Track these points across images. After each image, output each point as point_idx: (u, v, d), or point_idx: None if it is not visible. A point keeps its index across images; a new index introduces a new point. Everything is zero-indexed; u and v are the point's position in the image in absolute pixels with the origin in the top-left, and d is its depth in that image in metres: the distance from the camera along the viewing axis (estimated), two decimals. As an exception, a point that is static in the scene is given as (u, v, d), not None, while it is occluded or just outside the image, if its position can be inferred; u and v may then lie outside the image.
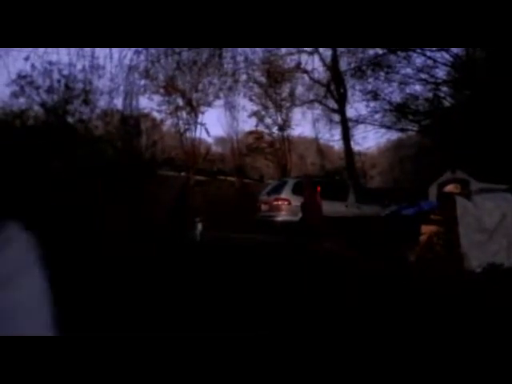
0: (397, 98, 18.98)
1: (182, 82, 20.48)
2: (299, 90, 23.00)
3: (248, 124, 27.97)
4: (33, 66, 14.17)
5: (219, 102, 21.42)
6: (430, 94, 17.97)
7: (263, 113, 22.43)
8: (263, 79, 22.11)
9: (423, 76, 17.44)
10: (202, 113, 20.94)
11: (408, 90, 18.60)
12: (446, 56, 16.51)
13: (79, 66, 14.25)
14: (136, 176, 11.61)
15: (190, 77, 20.28)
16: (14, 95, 14.63)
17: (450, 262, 6.46)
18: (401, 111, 18.82)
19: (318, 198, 8.97)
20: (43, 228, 6.25)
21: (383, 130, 20.18)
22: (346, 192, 13.14)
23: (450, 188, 12.07)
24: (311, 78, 22.49)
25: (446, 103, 17.97)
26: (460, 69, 16.51)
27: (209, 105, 21.12)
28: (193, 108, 20.54)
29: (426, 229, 7.53)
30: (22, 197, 7.08)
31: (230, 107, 21.68)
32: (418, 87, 18.83)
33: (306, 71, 22.27)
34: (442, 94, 17.90)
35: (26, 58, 13.80)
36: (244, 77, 21.84)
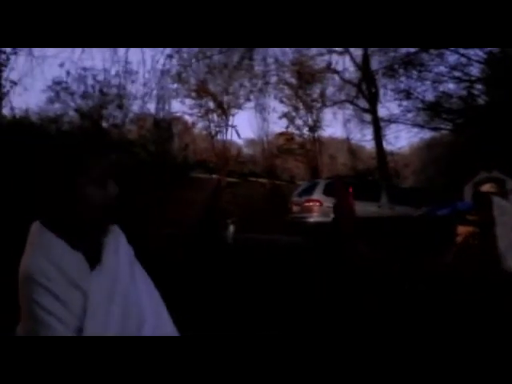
0: (430, 96, 18.59)
1: (213, 85, 20.70)
2: (330, 90, 22.88)
3: (278, 125, 28.02)
4: (68, 73, 14.57)
5: (250, 104, 21.57)
6: (464, 92, 17.55)
7: (294, 114, 22.40)
8: (293, 80, 22.10)
9: (457, 74, 17.02)
10: (233, 115, 21.12)
11: (441, 89, 18.17)
12: (480, 53, 16.08)
13: (113, 72, 14.57)
14: (168, 179, 11.78)
15: (220, 80, 20.48)
16: (50, 101, 15.09)
17: (487, 263, 6.30)
18: (434, 110, 18.43)
19: (351, 199, 8.89)
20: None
21: (416, 129, 19.79)
22: (379, 192, 12.98)
23: (486, 187, 11.75)
24: (342, 78, 22.33)
25: (481, 101, 17.52)
26: (494, 66, 16.07)
27: (239, 107, 21.28)
28: (224, 111, 20.70)
29: (462, 229, 7.36)
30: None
31: (261, 109, 21.79)
32: (451, 85, 18.41)
33: (336, 71, 22.13)
34: (477, 92, 17.45)
35: (61, 65, 14.20)
36: (274, 78, 21.91)
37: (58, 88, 14.87)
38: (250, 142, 27.94)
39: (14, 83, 11.80)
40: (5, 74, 11.72)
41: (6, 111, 11.74)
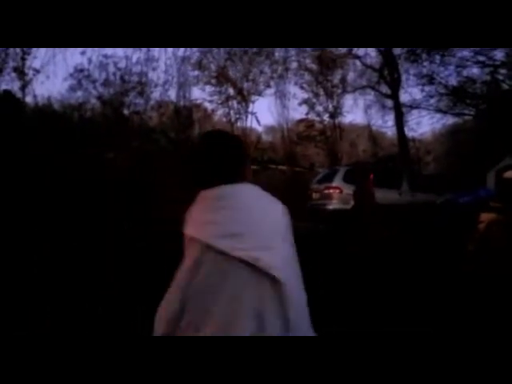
0: (453, 81, 18.26)
1: (233, 71, 20.65)
2: (351, 76, 22.64)
3: (298, 112, 27.88)
4: (89, 60, 14.67)
5: (270, 91, 21.44)
6: (488, 77, 17.17)
7: (314, 100, 22.20)
8: (314, 66, 21.88)
9: (481, 58, 16.63)
10: (253, 102, 21.04)
11: (465, 73, 17.81)
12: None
13: (134, 59, 14.62)
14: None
15: (241, 66, 20.40)
16: (72, 89, 15.23)
17: (509, 250, 6.22)
18: (457, 95, 18.10)
19: (371, 186, 8.82)
20: (99, 219, 6.51)
21: (438, 115, 19.52)
22: (400, 179, 12.86)
23: (509, 174, 11.55)
24: (363, 64, 22.05)
25: (505, 86, 17.13)
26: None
27: (259, 94, 21.19)
28: (243, 97, 20.66)
29: (485, 217, 7.24)
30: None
31: (281, 95, 21.64)
32: (475, 70, 18.04)
33: (357, 56, 21.85)
34: (501, 77, 17.05)
35: (83, 53, 14.29)
36: (295, 64, 21.72)
37: (79, 76, 14.96)
38: (270, 129, 27.89)
39: (37, 71, 11.95)
40: (28, 63, 11.88)
41: (28, 99, 11.92)
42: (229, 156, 1.54)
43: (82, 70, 15.04)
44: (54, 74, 11.77)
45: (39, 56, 12.86)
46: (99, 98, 14.38)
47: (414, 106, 19.87)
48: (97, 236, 5.92)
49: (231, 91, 20.83)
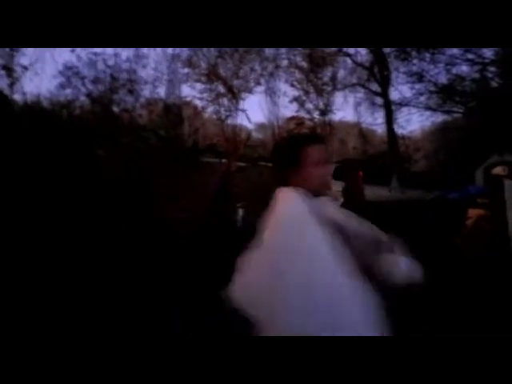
0: (443, 79, 18.35)
1: (224, 69, 20.57)
2: (341, 73, 22.62)
3: (289, 109, 27.81)
4: (78, 57, 14.56)
5: (260, 88, 21.42)
6: (478, 75, 17.30)
7: (304, 98, 22.19)
8: (304, 64, 21.87)
9: (470, 56, 16.75)
10: (243, 99, 21.00)
11: (454, 71, 17.92)
12: (494, 35, 15.75)
13: (124, 56, 14.55)
14: (178, 163, 11.81)
15: (231, 64, 20.35)
16: (61, 86, 15.12)
17: (497, 245, 6.28)
18: (446, 93, 18.20)
19: (361, 183, 8.87)
20: (92, 214, 6.47)
21: (428, 113, 19.62)
22: (389, 176, 12.94)
23: (497, 171, 11.68)
24: (353, 61, 22.08)
25: (494, 84, 17.26)
26: (508, 48, 15.76)
27: (250, 91, 21.14)
28: (234, 95, 20.61)
29: (473, 213, 7.32)
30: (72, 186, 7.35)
31: (271, 93, 21.61)
32: (464, 68, 18.18)
33: (348, 54, 21.88)
34: (490, 75, 17.18)
35: (72, 50, 14.19)
36: (285, 62, 21.69)
37: (68, 73, 14.87)
38: (261, 127, 27.83)
39: (25, 68, 11.86)
40: (16, 59, 11.77)
41: (17, 96, 11.82)
42: None
43: (71, 68, 14.94)
44: (43, 71, 11.69)
45: (27, 53, 12.73)
46: (88, 95, 14.30)
47: (403, 103, 19.97)
48: (92, 235, 5.90)
49: (221, 89, 20.78)
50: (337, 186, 10.98)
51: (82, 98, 14.33)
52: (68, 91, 14.70)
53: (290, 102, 22.14)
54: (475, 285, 4.70)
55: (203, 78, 20.52)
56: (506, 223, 6.40)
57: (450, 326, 3.28)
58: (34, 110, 12.83)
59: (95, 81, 14.38)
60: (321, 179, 1.66)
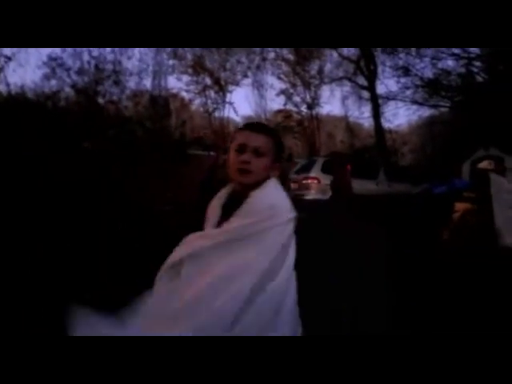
0: (429, 73, 18.46)
1: (210, 61, 20.49)
2: (328, 67, 22.71)
3: (276, 102, 27.88)
4: (63, 48, 14.35)
5: (247, 81, 21.47)
6: (463, 70, 17.43)
7: (291, 91, 22.26)
8: (291, 57, 21.89)
9: (456, 51, 16.84)
10: (230, 92, 20.96)
11: (440, 65, 18.04)
12: (479, 30, 15.86)
13: (108, 48, 14.37)
14: (165, 156, 11.72)
15: (217, 56, 20.25)
16: (46, 77, 14.89)
17: (483, 239, 6.34)
18: (433, 87, 18.31)
19: (348, 177, 8.86)
20: (79, 206, 6.38)
21: (414, 107, 19.72)
22: (377, 170, 12.98)
23: (483, 165, 11.80)
24: (340, 55, 22.13)
25: (479, 78, 17.40)
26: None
27: (237, 84, 21.11)
28: (221, 87, 20.54)
29: (460, 206, 7.38)
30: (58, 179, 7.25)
31: (258, 86, 21.64)
32: (450, 62, 18.28)
33: (334, 48, 21.91)
34: (475, 69, 17.31)
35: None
36: (272, 55, 21.69)
37: (53, 64, 14.64)
38: (248, 119, 27.77)
39: (9, 58, 11.64)
40: (-1, 50, 11.57)
41: (1, 87, 11.62)
42: None
43: (55, 59, 14.72)
44: (27, 62, 11.50)
45: (10, 43, 12.48)
46: (73, 86, 14.11)
47: (390, 97, 20.06)
48: (84, 232, 5.82)
49: (208, 81, 20.69)
50: (325, 180, 10.99)
51: (67, 89, 14.16)
52: (53, 82, 14.52)
53: (277, 95, 22.20)
54: (461, 278, 4.72)
55: (189, 70, 20.42)
56: (492, 217, 6.46)
57: (436, 321, 3.28)
58: (18, 101, 12.63)
59: (80, 72, 14.21)
60: (234, 166, 1.54)
